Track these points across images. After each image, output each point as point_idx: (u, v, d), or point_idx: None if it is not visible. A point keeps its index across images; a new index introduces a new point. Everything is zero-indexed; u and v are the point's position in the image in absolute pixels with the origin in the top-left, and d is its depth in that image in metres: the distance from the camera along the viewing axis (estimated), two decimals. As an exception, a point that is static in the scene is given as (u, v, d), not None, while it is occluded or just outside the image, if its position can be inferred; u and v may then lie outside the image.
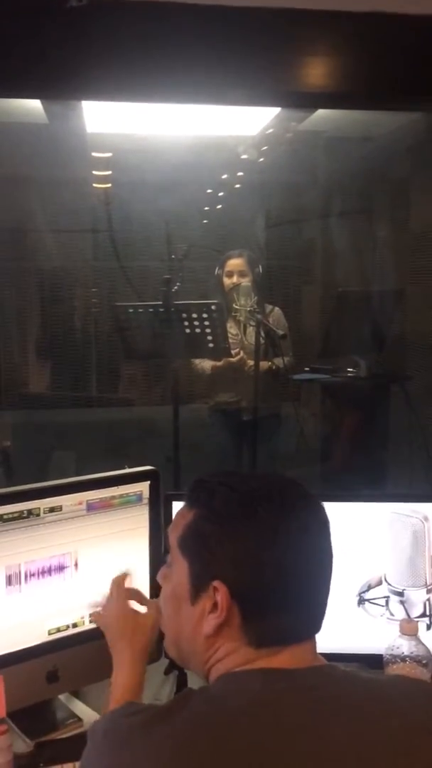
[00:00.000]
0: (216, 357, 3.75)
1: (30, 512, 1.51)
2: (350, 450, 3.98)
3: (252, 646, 1.04)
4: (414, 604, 1.63)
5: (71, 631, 1.59)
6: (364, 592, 1.64)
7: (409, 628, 1.46)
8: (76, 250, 5.13)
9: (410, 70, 2.19)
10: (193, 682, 1.63)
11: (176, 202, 4.67)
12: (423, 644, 1.46)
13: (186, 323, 3.40)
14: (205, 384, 4.07)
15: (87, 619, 1.57)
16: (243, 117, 3.61)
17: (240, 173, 4.88)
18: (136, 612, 1.43)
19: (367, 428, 3.97)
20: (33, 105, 3.53)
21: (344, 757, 0.92)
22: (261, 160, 4.39)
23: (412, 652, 1.45)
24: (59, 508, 1.54)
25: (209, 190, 5.09)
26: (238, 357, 3.83)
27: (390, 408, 4.02)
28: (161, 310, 3.43)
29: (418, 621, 1.55)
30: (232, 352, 3.75)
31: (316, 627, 1.09)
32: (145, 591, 1.58)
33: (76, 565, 1.57)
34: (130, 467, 1.68)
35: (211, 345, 3.45)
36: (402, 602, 1.63)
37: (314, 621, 1.09)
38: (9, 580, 1.50)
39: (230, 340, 3.68)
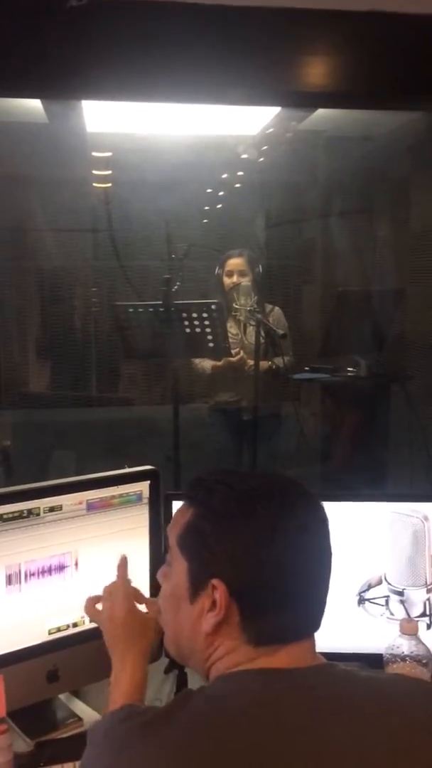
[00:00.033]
0: (216, 356, 3.75)
1: (30, 512, 1.51)
2: (350, 449, 3.98)
3: (251, 645, 1.04)
4: (414, 604, 1.63)
5: (71, 631, 1.59)
6: (364, 591, 1.64)
7: (409, 628, 1.46)
8: (76, 249, 5.13)
9: (410, 70, 2.19)
10: (194, 680, 1.63)
11: (176, 202, 4.67)
12: (423, 644, 1.46)
13: (186, 323, 3.40)
14: (205, 383, 4.07)
15: (87, 619, 1.57)
16: (243, 116, 3.61)
17: (240, 173, 4.88)
18: (141, 612, 1.42)
19: (368, 428, 3.97)
20: (33, 104, 3.53)
21: (344, 757, 0.92)
22: (261, 159, 4.39)
23: (412, 652, 1.45)
24: (59, 508, 1.54)
25: (209, 190, 5.09)
26: (238, 356, 3.83)
27: (390, 407, 4.02)
28: (161, 309, 3.43)
29: (418, 620, 1.55)
30: (232, 351, 3.75)
31: (316, 625, 1.09)
32: (145, 591, 1.58)
33: (76, 564, 1.57)
34: (130, 467, 1.68)
35: (211, 344, 3.45)
36: (402, 602, 1.63)
37: (313, 619, 1.09)
38: (9, 580, 1.50)
39: (230, 340, 3.68)
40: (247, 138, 4.13)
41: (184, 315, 3.39)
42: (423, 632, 1.51)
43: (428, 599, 1.63)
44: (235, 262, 3.97)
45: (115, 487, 1.62)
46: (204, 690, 1.02)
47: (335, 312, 4.13)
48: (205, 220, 5.16)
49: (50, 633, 1.57)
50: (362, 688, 1.02)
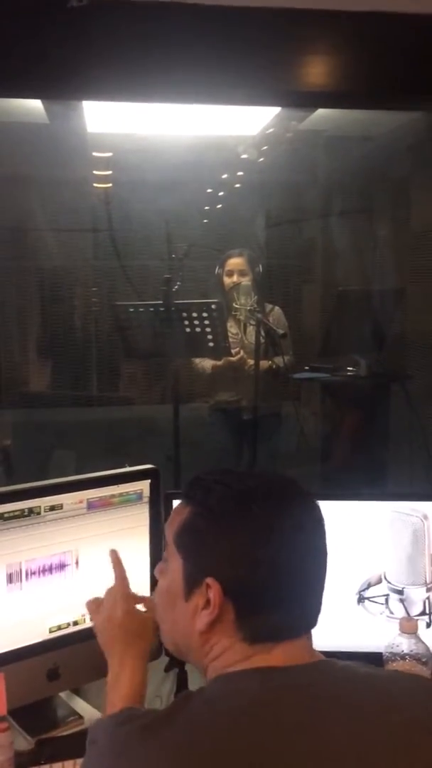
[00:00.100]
0: (216, 356, 3.75)
1: (31, 511, 1.51)
2: (350, 449, 3.99)
3: (246, 642, 1.05)
4: (414, 603, 1.64)
5: (72, 629, 1.59)
6: (364, 590, 1.65)
7: (408, 627, 1.47)
8: (77, 249, 5.13)
9: (410, 70, 2.19)
10: (194, 679, 1.64)
11: (176, 202, 4.67)
12: (423, 642, 1.46)
13: (186, 322, 3.40)
14: (206, 383, 4.07)
15: (88, 617, 1.57)
16: (243, 117, 3.61)
17: (240, 173, 4.88)
18: (140, 613, 1.41)
19: (368, 427, 3.97)
20: (33, 105, 3.53)
21: (344, 756, 0.92)
22: (261, 159, 4.40)
23: (411, 650, 1.45)
24: (60, 507, 1.55)
25: (209, 190, 5.09)
26: (239, 356, 3.83)
27: (390, 407, 4.02)
28: (161, 309, 3.43)
29: (417, 619, 1.55)
30: (233, 351, 3.75)
31: (312, 623, 1.09)
32: (146, 589, 1.58)
33: (76, 563, 1.57)
34: (130, 466, 1.68)
35: (211, 344, 3.46)
36: (402, 600, 1.64)
37: (309, 617, 1.09)
38: (10, 579, 1.50)
39: (230, 339, 3.68)
40: (247, 138, 4.13)
41: (185, 315, 3.40)
42: (423, 631, 1.51)
43: (428, 598, 1.64)
44: (235, 262, 3.98)
45: (116, 486, 1.62)
46: (203, 691, 1.02)
47: (335, 311, 4.13)
48: (205, 220, 5.16)
49: (51, 631, 1.57)
50: (361, 686, 1.02)
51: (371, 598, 1.65)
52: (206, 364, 3.89)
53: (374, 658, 1.47)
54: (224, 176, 4.91)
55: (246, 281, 3.91)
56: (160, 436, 3.88)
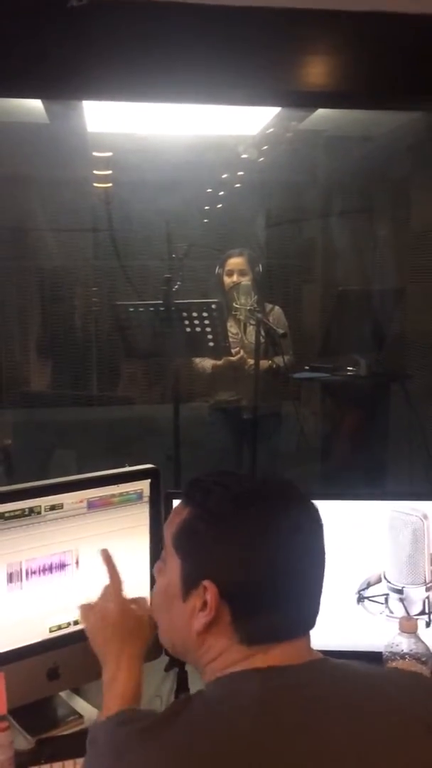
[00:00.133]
0: (216, 356, 3.75)
1: (31, 510, 1.51)
2: (350, 448, 3.99)
3: (243, 644, 1.05)
4: (413, 602, 1.64)
5: (72, 629, 1.59)
6: (363, 589, 1.65)
7: (408, 626, 1.47)
8: (77, 249, 5.14)
9: (410, 70, 2.19)
10: (194, 679, 1.64)
11: (176, 202, 4.67)
12: (422, 642, 1.46)
13: (186, 322, 3.40)
14: (206, 383, 4.07)
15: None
16: (243, 116, 3.62)
17: (240, 172, 4.88)
18: (135, 611, 1.40)
19: (368, 427, 3.97)
20: (34, 104, 3.53)
21: (344, 756, 0.92)
22: (261, 159, 4.40)
23: (411, 650, 1.45)
24: (60, 506, 1.55)
25: (209, 190, 5.09)
26: (239, 356, 3.83)
27: (390, 407, 4.03)
28: (161, 309, 3.43)
29: (417, 619, 1.55)
30: (233, 350, 3.75)
31: (310, 624, 1.09)
32: (146, 588, 1.58)
33: (77, 562, 1.58)
34: (130, 465, 1.68)
35: (211, 344, 3.46)
36: (401, 600, 1.64)
37: (307, 619, 1.09)
38: (10, 578, 1.50)
39: (230, 339, 3.68)
40: (247, 138, 4.13)
41: (185, 314, 3.40)
42: (422, 630, 1.51)
43: (427, 597, 1.64)
44: (235, 262, 3.98)
45: (116, 486, 1.62)
46: (202, 694, 1.03)
47: (335, 311, 4.13)
48: (205, 220, 5.16)
49: (51, 631, 1.57)
50: (361, 686, 1.03)
51: (371, 598, 1.65)
52: (206, 363, 3.89)
53: (374, 658, 1.48)
54: (224, 176, 4.91)
55: (246, 281, 3.91)
56: (161, 435, 3.88)
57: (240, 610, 1.05)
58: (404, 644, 1.46)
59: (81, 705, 1.66)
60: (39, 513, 1.52)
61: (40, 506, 1.52)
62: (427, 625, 1.63)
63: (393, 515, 1.64)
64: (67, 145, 4.13)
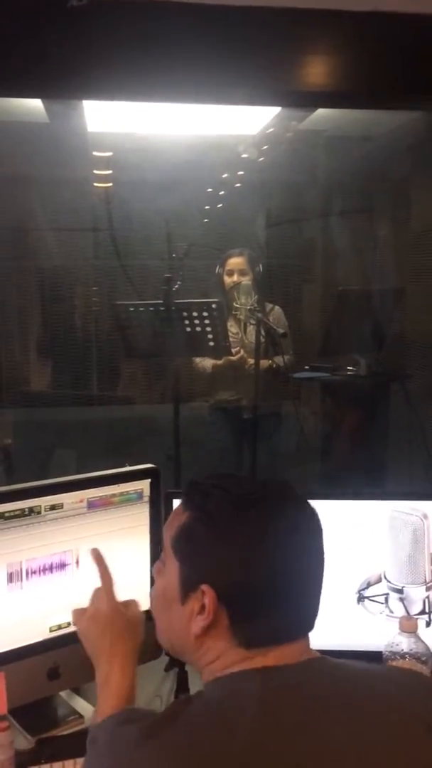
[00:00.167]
0: (216, 355, 3.75)
1: (31, 510, 1.52)
2: (350, 448, 3.99)
3: (242, 647, 1.05)
4: (413, 602, 1.64)
5: (72, 628, 1.58)
6: (363, 589, 1.65)
7: (408, 626, 1.47)
8: (77, 248, 5.14)
9: (410, 70, 2.19)
10: (194, 678, 1.64)
11: (177, 201, 4.67)
12: (422, 641, 1.47)
13: (186, 322, 3.41)
14: (206, 382, 4.07)
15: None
16: (243, 116, 3.62)
17: (240, 172, 4.88)
18: (127, 611, 1.39)
19: (367, 427, 3.98)
20: (34, 104, 3.54)
21: (344, 756, 0.92)
22: (261, 159, 4.40)
23: (411, 649, 1.45)
24: (60, 506, 1.55)
25: (210, 189, 5.10)
26: (239, 355, 3.83)
27: (390, 406, 4.03)
28: (162, 308, 3.43)
29: (417, 618, 1.55)
30: (233, 350, 3.75)
31: (308, 627, 1.09)
32: (146, 588, 1.58)
33: (77, 562, 1.58)
34: (130, 465, 1.68)
35: (211, 343, 3.46)
36: (401, 599, 1.64)
37: (305, 622, 1.09)
38: (10, 578, 1.50)
39: (231, 339, 3.68)
40: (247, 138, 4.14)
41: (185, 314, 3.40)
42: (422, 630, 1.52)
43: (427, 597, 1.64)
44: (235, 262, 3.98)
45: (116, 486, 1.62)
46: (201, 694, 1.03)
47: (335, 311, 4.13)
48: (205, 220, 5.16)
49: (51, 630, 1.57)
50: (361, 686, 1.03)
51: (371, 597, 1.65)
52: (206, 363, 3.89)
53: (374, 657, 1.48)
54: (224, 176, 4.91)
55: (246, 281, 3.91)
56: (161, 435, 3.88)
57: (238, 613, 1.05)
58: (404, 644, 1.46)
59: (81, 705, 1.66)
60: (39, 513, 1.52)
61: (40, 506, 1.52)
62: (427, 624, 1.63)
63: (393, 515, 1.64)
64: (68, 145, 4.13)
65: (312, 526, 1.11)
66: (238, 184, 4.99)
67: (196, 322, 3.40)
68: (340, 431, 4.12)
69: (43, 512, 1.53)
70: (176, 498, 1.61)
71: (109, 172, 4.83)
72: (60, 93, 2.44)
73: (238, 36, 2.08)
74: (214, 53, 2.08)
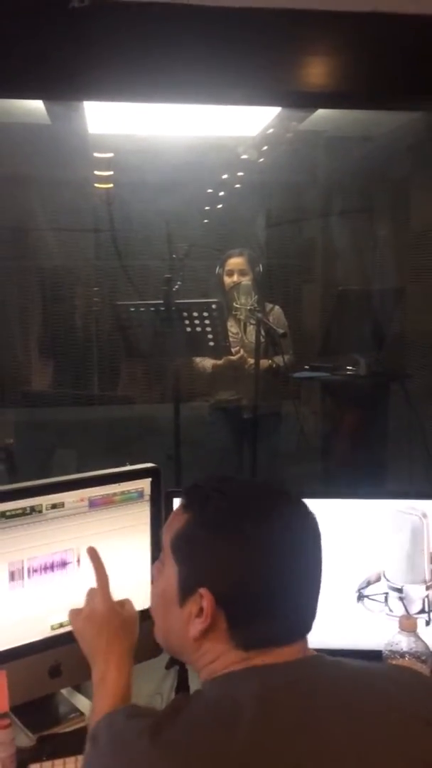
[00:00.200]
0: (217, 355, 3.75)
1: (32, 509, 1.52)
2: (350, 448, 3.99)
3: (240, 649, 1.06)
4: (413, 601, 1.64)
5: (73, 627, 1.60)
6: (363, 588, 1.65)
7: (408, 625, 1.47)
8: (78, 249, 5.14)
9: (410, 70, 2.20)
10: (194, 676, 1.64)
11: (177, 202, 4.67)
12: (422, 640, 1.47)
13: (187, 322, 3.41)
14: (206, 382, 4.07)
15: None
16: (243, 117, 3.62)
17: (240, 173, 4.89)
18: (123, 610, 1.39)
19: (367, 426, 3.98)
20: (35, 105, 3.54)
21: (344, 756, 0.92)
22: (261, 159, 4.40)
23: (411, 648, 1.45)
24: (61, 505, 1.56)
25: (210, 190, 5.10)
26: (239, 355, 3.84)
27: (390, 406, 4.03)
28: (162, 308, 3.44)
29: (417, 617, 1.55)
30: (233, 350, 3.75)
31: (306, 629, 1.10)
32: (147, 587, 1.59)
33: (78, 561, 1.58)
34: (131, 464, 1.69)
35: (211, 343, 3.46)
36: (401, 598, 1.64)
37: (303, 624, 1.09)
38: (12, 576, 1.51)
39: (231, 339, 3.69)
40: (247, 138, 4.14)
41: (185, 314, 3.40)
42: (422, 629, 1.52)
43: (427, 596, 1.64)
44: (235, 262, 3.98)
45: (117, 485, 1.63)
46: (201, 693, 1.03)
47: (335, 311, 4.13)
48: (205, 220, 5.17)
49: (53, 629, 1.58)
50: (361, 684, 1.03)
51: (371, 596, 1.65)
52: (207, 363, 3.90)
53: (374, 656, 1.48)
54: (224, 176, 4.91)
55: (246, 281, 3.91)
56: (161, 435, 3.88)
57: (237, 617, 1.06)
58: (404, 643, 1.46)
59: (82, 702, 1.67)
60: (40, 512, 1.53)
61: (41, 505, 1.53)
62: (427, 623, 1.63)
63: (393, 514, 1.64)
64: (68, 146, 4.13)
65: (310, 530, 1.11)
66: (238, 185, 4.99)
67: (197, 322, 3.40)
68: (340, 431, 4.12)
69: (44, 511, 1.53)
70: (176, 497, 1.61)
71: (110, 173, 4.83)
72: (61, 94, 2.45)
73: (238, 37, 2.09)
74: (214, 54, 2.09)
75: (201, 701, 1.00)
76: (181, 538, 1.12)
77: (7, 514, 1.49)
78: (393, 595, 1.65)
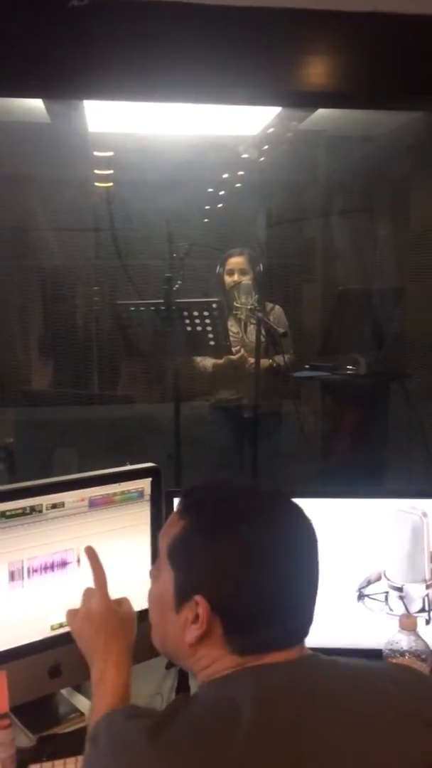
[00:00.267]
0: (217, 355, 3.76)
1: (32, 509, 1.52)
2: (350, 447, 3.99)
3: (236, 654, 1.06)
4: (413, 600, 1.64)
5: (73, 627, 1.60)
6: (363, 587, 1.65)
7: (408, 624, 1.47)
8: (78, 248, 5.14)
9: (410, 70, 2.20)
10: (194, 677, 1.64)
11: (177, 201, 4.68)
12: (422, 639, 1.47)
13: (187, 321, 3.41)
14: (206, 381, 4.07)
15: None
16: (244, 116, 3.62)
17: (241, 172, 4.89)
18: (120, 610, 1.39)
19: (367, 425, 3.98)
20: (35, 104, 3.54)
21: (344, 756, 0.92)
22: (262, 159, 4.40)
23: (411, 647, 1.46)
24: (61, 505, 1.56)
25: (210, 189, 5.10)
26: (239, 355, 3.84)
27: (389, 405, 4.03)
28: (162, 308, 3.44)
29: (417, 616, 1.56)
30: (233, 349, 3.75)
31: (303, 635, 1.10)
32: (147, 586, 1.59)
33: (78, 561, 1.58)
34: (131, 464, 1.69)
35: (212, 343, 3.46)
36: (401, 597, 1.64)
37: (299, 630, 1.09)
38: (12, 576, 1.51)
39: (231, 338, 3.68)
40: (247, 138, 4.14)
41: (185, 313, 3.40)
42: (422, 628, 1.52)
43: (427, 595, 1.64)
44: (235, 261, 3.98)
45: (117, 485, 1.63)
46: (200, 695, 1.04)
47: (335, 310, 4.13)
48: (206, 220, 5.17)
49: (53, 629, 1.58)
50: (361, 683, 1.03)
51: (371, 595, 1.65)
52: (207, 362, 3.90)
53: (374, 655, 1.48)
54: (225, 176, 4.92)
55: (247, 280, 3.91)
56: (161, 434, 3.88)
57: (232, 624, 1.06)
58: (404, 641, 1.46)
59: (82, 702, 1.67)
60: (40, 511, 1.53)
61: (41, 505, 1.53)
62: (427, 622, 1.63)
63: (393, 513, 1.64)
64: (69, 145, 4.13)
65: (306, 535, 1.11)
66: (238, 184, 4.99)
67: (197, 321, 3.40)
68: (340, 430, 4.12)
69: (44, 511, 1.53)
70: (177, 497, 1.61)
71: (110, 172, 4.83)
72: (61, 93, 2.45)
73: (238, 36, 2.09)
74: (214, 53, 2.09)
75: (200, 702, 1.01)
76: (177, 545, 1.12)
77: (7, 513, 1.49)
78: (393, 594, 1.65)
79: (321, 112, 3.85)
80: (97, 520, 1.60)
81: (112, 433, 4.72)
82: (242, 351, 3.86)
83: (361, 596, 1.66)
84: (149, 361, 4.93)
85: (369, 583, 1.65)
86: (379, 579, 1.65)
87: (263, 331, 3.70)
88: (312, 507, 1.14)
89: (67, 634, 1.55)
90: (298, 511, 1.12)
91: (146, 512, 1.67)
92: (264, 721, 0.93)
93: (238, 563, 1.05)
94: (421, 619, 1.59)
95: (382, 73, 2.18)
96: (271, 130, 3.91)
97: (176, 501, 1.35)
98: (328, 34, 2.15)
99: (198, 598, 1.06)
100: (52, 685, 1.60)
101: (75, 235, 5.07)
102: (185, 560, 1.10)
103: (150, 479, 1.67)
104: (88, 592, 1.40)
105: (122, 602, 1.41)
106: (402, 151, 4.65)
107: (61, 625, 1.58)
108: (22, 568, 1.52)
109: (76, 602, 1.40)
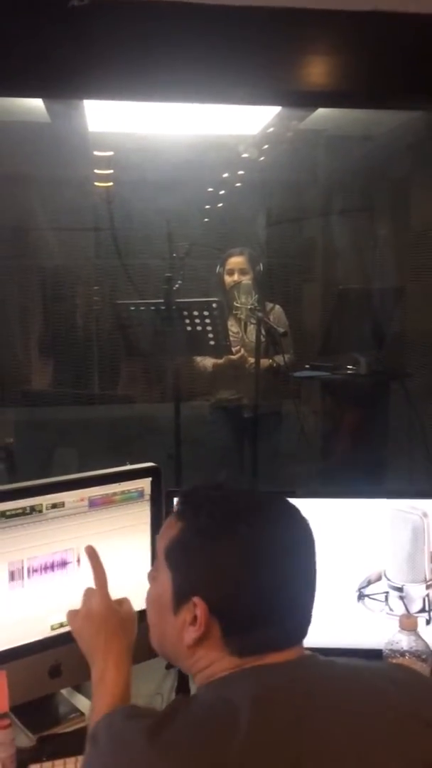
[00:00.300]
0: (217, 354, 3.75)
1: (32, 508, 1.52)
2: (350, 447, 3.99)
3: (234, 656, 1.06)
4: (413, 600, 1.64)
5: (73, 627, 1.60)
6: (363, 587, 1.65)
7: (408, 624, 1.47)
8: (78, 248, 5.14)
9: (410, 69, 2.20)
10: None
11: (177, 201, 4.67)
12: (422, 639, 1.47)
13: (187, 321, 3.41)
14: (207, 381, 4.07)
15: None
16: (244, 116, 3.62)
17: (241, 172, 4.89)
18: (121, 609, 1.39)
19: (367, 425, 3.98)
20: (35, 104, 3.54)
21: (344, 756, 0.92)
22: (262, 158, 4.40)
23: (411, 647, 1.46)
24: (61, 505, 1.56)
25: (210, 189, 5.10)
26: (239, 354, 3.84)
27: (390, 405, 4.03)
28: (162, 308, 3.43)
29: (417, 616, 1.56)
30: (233, 349, 3.75)
31: (301, 636, 1.10)
32: (147, 586, 1.59)
33: (78, 560, 1.58)
34: (131, 464, 1.69)
35: (212, 342, 3.46)
36: (401, 597, 1.64)
37: (298, 631, 1.10)
38: (12, 576, 1.51)
39: (231, 338, 3.68)
40: (247, 137, 4.14)
41: (185, 313, 3.40)
42: (422, 628, 1.52)
43: (427, 595, 1.64)
44: (236, 261, 3.98)
45: (117, 484, 1.63)
46: (199, 696, 1.04)
47: (335, 310, 4.13)
48: (206, 219, 5.16)
49: (53, 629, 1.58)
50: (362, 683, 1.03)
51: (371, 596, 1.66)
52: (207, 362, 3.90)
53: (374, 655, 1.48)
54: (225, 175, 4.92)
55: (247, 280, 3.91)
56: (161, 434, 3.88)
57: (230, 625, 1.06)
58: (404, 642, 1.46)
59: (82, 702, 1.67)
60: (40, 511, 1.53)
61: (41, 504, 1.53)
62: (427, 622, 1.63)
63: (393, 513, 1.64)
64: (69, 145, 4.13)
65: (303, 536, 1.11)
66: (238, 184, 4.99)
67: (197, 321, 3.40)
68: (340, 430, 4.12)
69: (44, 511, 1.53)
70: (177, 496, 1.61)
71: (110, 171, 4.83)
72: (61, 93, 2.45)
73: (238, 36, 2.09)
74: (214, 53, 2.09)
75: (199, 702, 1.01)
76: (174, 547, 1.12)
77: (7, 513, 1.49)
78: (393, 594, 1.65)
79: (321, 111, 3.85)
80: (97, 520, 1.60)
81: (112, 433, 4.72)
82: (242, 351, 3.86)
83: (361, 596, 1.66)
84: (149, 361, 4.93)
85: (369, 583, 1.65)
86: (379, 579, 1.65)
87: (263, 331, 3.70)
88: (312, 507, 1.14)
89: (68, 634, 1.56)
90: (295, 511, 1.12)
91: (146, 512, 1.67)
92: (263, 722, 0.93)
93: (237, 563, 1.05)
94: (422, 619, 1.59)
95: (382, 73, 2.18)
96: (271, 129, 3.92)
97: (176, 501, 1.35)
98: (328, 33, 2.15)
99: (196, 599, 1.06)
100: (52, 685, 1.60)
101: (75, 234, 5.06)
102: (183, 562, 1.10)
103: (150, 479, 1.67)
104: (88, 592, 1.40)
105: (123, 602, 1.41)
106: (402, 150, 4.65)
107: (61, 625, 1.58)
108: (22, 568, 1.52)
109: (76, 602, 1.40)
